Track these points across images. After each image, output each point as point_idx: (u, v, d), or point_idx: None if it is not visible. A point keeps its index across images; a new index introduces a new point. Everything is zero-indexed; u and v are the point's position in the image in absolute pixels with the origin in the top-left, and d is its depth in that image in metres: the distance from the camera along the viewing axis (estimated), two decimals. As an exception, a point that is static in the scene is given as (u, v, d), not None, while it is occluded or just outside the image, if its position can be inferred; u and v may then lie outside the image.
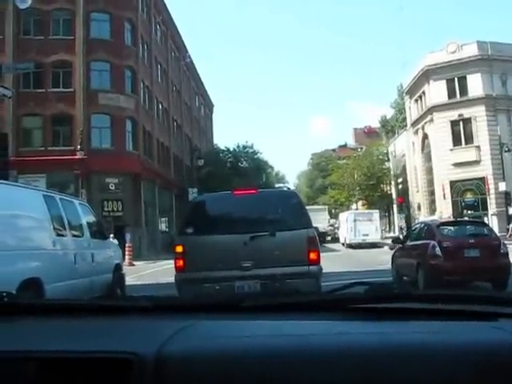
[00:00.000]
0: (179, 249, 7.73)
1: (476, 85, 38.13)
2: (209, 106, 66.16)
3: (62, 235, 8.18)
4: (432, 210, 41.73)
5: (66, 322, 1.46)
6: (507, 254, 11.35)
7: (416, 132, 44.95)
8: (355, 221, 38.20)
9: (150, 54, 38.42)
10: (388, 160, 53.03)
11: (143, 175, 33.65)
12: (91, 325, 1.42)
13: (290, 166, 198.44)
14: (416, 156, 45.41)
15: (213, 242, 7.59)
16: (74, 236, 8.71)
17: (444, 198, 38.90)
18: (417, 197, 45.72)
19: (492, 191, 36.49)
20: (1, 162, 15.32)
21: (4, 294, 1.64)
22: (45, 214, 7.73)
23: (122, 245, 17.50)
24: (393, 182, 52.66)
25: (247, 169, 51.53)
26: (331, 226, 53.25)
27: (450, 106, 38.80)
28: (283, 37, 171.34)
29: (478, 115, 37.89)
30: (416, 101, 44.77)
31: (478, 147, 37.86)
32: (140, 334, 1.29)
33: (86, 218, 9.60)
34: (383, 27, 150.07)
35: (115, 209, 31.71)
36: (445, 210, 37.82)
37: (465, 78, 38.69)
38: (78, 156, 29.09)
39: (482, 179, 37.21)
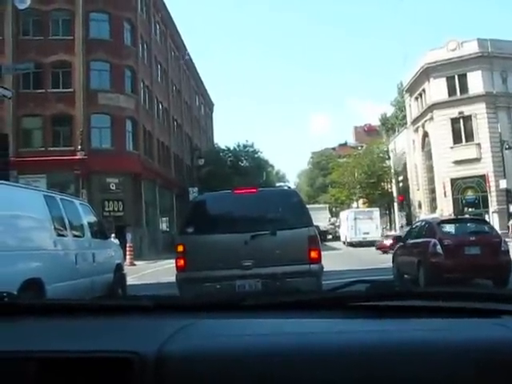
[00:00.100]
0: (180, 248, 7.74)
1: (476, 82, 38.12)
2: (209, 105, 66.16)
3: (63, 235, 8.18)
4: (433, 207, 41.74)
5: (66, 321, 1.46)
6: (508, 251, 11.35)
7: (416, 130, 44.94)
8: (355, 219, 38.28)
9: (149, 53, 38.42)
10: (388, 158, 53.05)
11: (144, 175, 33.66)
12: (92, 324, 1.42)
13: (290, 165, 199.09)
14: (416, 154, 45.40)
15: (213, 242, 7.59)
16: (75, 236, 8.71)
17: (445, 195, 38.90)
18: (417, 195, 45.72)
19: (493, 189, 36.49)
20: (1, 163, 15.32)
21: (4, 294, 1.64)
22: (45, 214, 7.73)
23: (122, 245, 17.53)
24: (393, 180, 52.65)
25: (247, 168, 51.54)
26: (332, 224, 53.31)
27: (450, 104, 38.80)
28: (283, 34, 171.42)
29: (479, 113, 37.89)
30: (416, 98, 44.76)
31: (479, 145, 37.85)
32: (141, 334, 1.29)
33: (87, 218, 9.60)
34: (384, 23, 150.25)
35: (116, 209, 31.72)
36: (445, 208, 37.82)
37: (465, 75, 38.69)
38: (79, 156, 29.11)
39: (483, 177, 37.20)
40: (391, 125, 62.06)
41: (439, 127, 39.40)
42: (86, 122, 31.40)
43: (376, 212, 40.63)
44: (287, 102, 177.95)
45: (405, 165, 49.58)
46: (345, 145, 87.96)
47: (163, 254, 29.30)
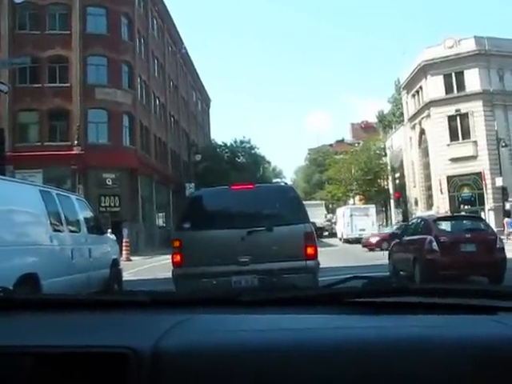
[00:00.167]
0: (176, 244, 7.74)
1: (473, 80, 38.15)
2: (206, 100, 66.08)
3: (59, 230, 8.17)
4: (429, 204, 41.82)
5: (62, 316, 1.46)
6: (503, 248, 11.40)
7: (413, 127, 44.98)
8: (351, 216, 38.37)
9: (146, 48, 38.31)
10: (385, 155, 53.15)
11: (140, 170, 33.62)
12: (88, 319, 1.42)
13: (287, 162, 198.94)
14: (413, 151, 45.45)
15: (210, 237, 7.59)
16: (71, 231, 8.69)
17: (441, 193, 38.98)
18: (414, 192, 45.80)
19: (489, 186, 36.57)
20: (-3, 158, 15.28)
21: (0, 289, 1.64)
22: (42, 209, 7.71)
23: (119, 240, 17.51)
24: (390, 177, 52.75)
25: (244, 164, 51.57)
26: (328, 221, 53.44)
27: (447, 101, 38.83)
28: (280, 30, 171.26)
29: (475, 110, 37.93)
30: (413, 96, 44.78)
31: (475, 142, 37.91)
32: (137, 329, 1.29)
33: (83, 213, 9.59)
34: (382, 20, 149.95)
35: (112, 204, 31.69)
36: (442, 205, 37.91)
37: (462, 73, 38.72)
38: (75, 151, 29.07)
39: (479, 174, 37.27)
40: (388, 122, 62.09)
41: (436, 124, 39.45)
42: (83, 117, 31.32)
43: (372, 209, 40.74)
44: (284, 98, 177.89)
45: (401, 162, 49.65)
46: (342, 141, 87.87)
47: (159, 249, 29.29)
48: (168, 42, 45.83)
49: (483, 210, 36.29)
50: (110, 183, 31.74)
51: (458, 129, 38.86)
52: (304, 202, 9.48)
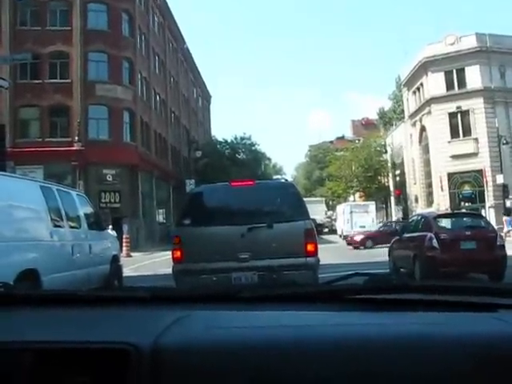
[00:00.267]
0: (177, 240, 7.75)
1: (474, 77, 38.09)
2: (206, 97, 66.02)
3: (60, 226, 8.17)
4: (429, 202, 41.81)
5: (63, 312, 1.46)
6: (503, 246, 11.40)
7: (414, 124, 44.93)
8: (351, 212, 38.41)
9: (147, 44, 38.28)
10: (386, 152, 53.10)
11: (141, 166, 33.62)
12: (88, 315, 1.42)
13: (287, 158, 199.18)
14: (414, 148, 45.41)
15: (210, 234, 7.60)
16: (72, 227, 8.70)
17: (441, 190, 38.97)
18: (414, 189, 45.78)
19: (490, 183, 36.54)
20: (-2, 153, 15.28)
21: (0, 285, 1.64)
22: (42, 205, 7.71)
23: (119, 236, 17.52)
24: (390, 174, 52.72)
25: (245, 160, 51.51)
26: (328, 217, 53.43)
27: (448, 98, 38.77)
28: (281, 27, 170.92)
29: (476, 107, 37.88)
30: (414, 93, 44.72)
31: (476, 139, 37.88)
32: (137, 325, 1.29)
33: (84, 209, 9.59)
34: (383, 17, 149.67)
35: (112, 200, 31.71)
36: (442, 203, 37.90)
37: (463, 70, 38.65)
38: (76, 147, 29.09)
39: (480, 171, 37.24)
40: (389, 119, 62.06)
41: (437, 121, 39.40)
42: (84, 113, 31.32)
43: (372, 205, 40.77)
44: (285, 95, 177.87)
45: (402, 159, 49.62)
46: (342, 138, 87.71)
47: (160, 245, 29.32)
48: (169, 38, 45.77)
49: (484, 207, 36.29)
50: (111, 179, 31.74)
51: (459, 126, 38.81)
52: (304, 199, 9.47)
